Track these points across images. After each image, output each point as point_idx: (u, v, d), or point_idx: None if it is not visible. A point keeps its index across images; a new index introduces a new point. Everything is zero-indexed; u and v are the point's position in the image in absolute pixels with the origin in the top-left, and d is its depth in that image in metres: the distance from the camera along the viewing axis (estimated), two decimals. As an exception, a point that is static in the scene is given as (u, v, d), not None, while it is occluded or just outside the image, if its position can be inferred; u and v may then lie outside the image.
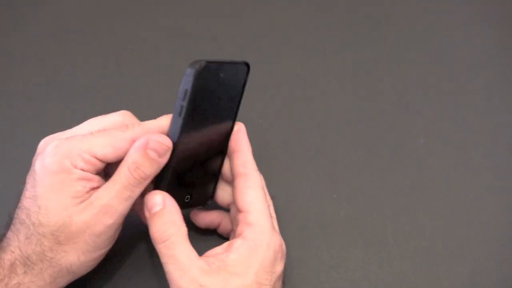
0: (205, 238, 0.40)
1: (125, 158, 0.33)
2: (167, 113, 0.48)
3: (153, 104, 0.50)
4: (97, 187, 0.33)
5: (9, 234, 0.32)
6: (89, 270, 0.34)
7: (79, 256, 0.32)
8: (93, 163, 0.32)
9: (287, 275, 0.38)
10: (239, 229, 0.34)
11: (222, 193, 0.38)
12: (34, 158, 0.34)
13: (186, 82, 0.32)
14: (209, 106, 0.34)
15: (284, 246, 0.36)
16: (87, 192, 0.32)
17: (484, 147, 0.46)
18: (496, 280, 0.38)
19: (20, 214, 0.32)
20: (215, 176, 0.38)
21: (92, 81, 0.52)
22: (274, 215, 0.37)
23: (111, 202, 0.32)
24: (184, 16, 0.58)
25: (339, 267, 0.39)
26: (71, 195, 0.32)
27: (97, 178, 0.33)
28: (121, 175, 0.33)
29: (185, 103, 0.32)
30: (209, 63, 0.32)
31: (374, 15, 0.58)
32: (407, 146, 0.46)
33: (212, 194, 0.38)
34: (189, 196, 0.36)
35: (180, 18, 0.58)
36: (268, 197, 0.37)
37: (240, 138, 0.37)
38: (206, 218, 0.39)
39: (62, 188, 0.32)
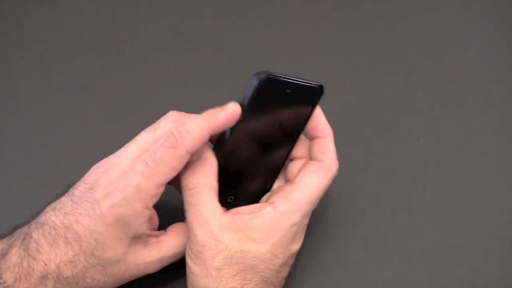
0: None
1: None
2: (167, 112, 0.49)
3: (153, 104, 0.50)
4: (154, 229, 0.34)
5: (41, 240, 0.31)
6: None
7: (114, 284, 0.33)
8: (160, 192, 0.32)
9: (287, 275, 0.38)
10: (276, 197, 0.34)
11: None
12: (86, 182, 0.33)
13: (247, 89, 0.32)
14: (269, 117, 0.34)
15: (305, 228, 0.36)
16: (147, 234, 0.33)
17: (484, 147, 0.46)
18: (496, 280, 0.39)
19: (66, 233, 0.31)
20: (265, 185, 0.37)
21: (93, 81, 0.52)
22: (315, 205, 0.36)
23: (167, 260, 0.34)
24: (186, 16, 0.58)
25: (339, 267, 0.39)
26: (133, 236, 0.32)
27: (156, 218, 0.34)
28: (180, 240, 0.34)
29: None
30: (272, 76, 0.32)
31: (374, 15, 0.58)
32: (407, 146, 0.46)
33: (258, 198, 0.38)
34: (232, 197, 0.36)
35: (180, 17, 0.58)
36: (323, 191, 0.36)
37: (321, 123, 0.36)
38: None
39: (126, 229, 0.32)
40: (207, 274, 0.32)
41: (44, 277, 0.31)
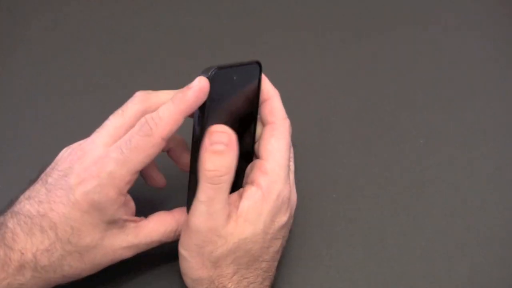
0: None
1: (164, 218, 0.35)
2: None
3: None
4: (131, 213, 0.34)
5: (17, 230, 0.31)
6: None
7: (92, 270, 0.33)
8: (134, 178, 0.32)
9: (287, 275, 0.38)
10: (254, 175, 0.34)
11: None
12: (52, 166, 0.34)
13: None
14: (229, 108, 0.35)
15: (294, 199, 0.37)
16: (123, 219, 0.33)
17: (484, 147, 0.46)
18: (496, 280, 0.38)
19: (41, 221, 0.31)
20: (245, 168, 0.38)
21: (93, 81, 0.52)
22: (292, 167, 0.37)
23: (143, 247, 0.34)
24: (185, 15, 0.58)
25: (339, 267, 0.39)
26: (108, 221, 0.32)
27: (132, 203, 0.34)
28: (160, 228, 0.34)
29: (199, 111, 0.33)
30: (220, 68, 0.33)
31: (374, 15, 0.58)
32: (407, 146, 0.46)
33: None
34: None
35: (181, 17, 0.58)
36: (290, 147, 0.37)
37: (265, 87, 0.37)
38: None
39: (101, 215, 0.32)
40: (202, 267, 0.32)
41: (21, 267, 0.31)
